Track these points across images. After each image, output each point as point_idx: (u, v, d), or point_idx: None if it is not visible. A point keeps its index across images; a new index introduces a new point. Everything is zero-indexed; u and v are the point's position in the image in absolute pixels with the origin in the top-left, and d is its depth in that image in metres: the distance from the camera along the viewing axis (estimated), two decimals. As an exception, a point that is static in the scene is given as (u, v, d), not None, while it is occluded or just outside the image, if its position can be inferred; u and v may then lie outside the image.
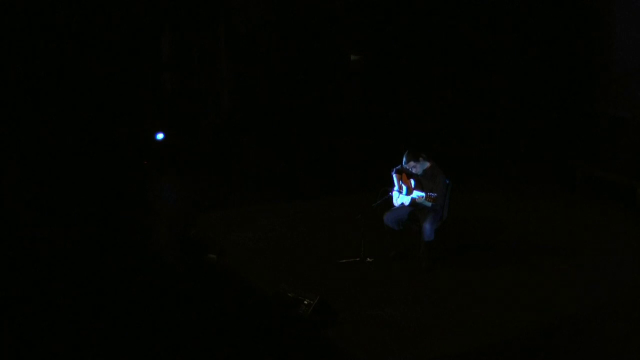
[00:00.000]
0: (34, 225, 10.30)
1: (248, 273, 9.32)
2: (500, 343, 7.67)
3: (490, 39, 14.21)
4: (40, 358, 7.35)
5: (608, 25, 13.05)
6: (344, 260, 9.61)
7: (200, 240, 10.06)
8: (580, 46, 13.46)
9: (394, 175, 9.63)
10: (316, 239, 10.46)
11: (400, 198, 9.60)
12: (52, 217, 10.58)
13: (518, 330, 7.89)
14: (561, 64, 13.71)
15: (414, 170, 9.44)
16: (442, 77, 14.58)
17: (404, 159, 9.45)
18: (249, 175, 13.20)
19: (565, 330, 7.93)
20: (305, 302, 8.01)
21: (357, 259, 9.57)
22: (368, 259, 9.56)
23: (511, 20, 14.07)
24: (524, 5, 13.93)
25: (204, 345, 7.52)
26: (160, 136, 13.13)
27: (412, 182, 9.46)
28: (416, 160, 9.39)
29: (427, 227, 9.22)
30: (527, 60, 14.02)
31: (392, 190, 9.59)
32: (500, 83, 14.26)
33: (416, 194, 9.34)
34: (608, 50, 13.07)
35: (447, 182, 9.44)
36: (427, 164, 9.45)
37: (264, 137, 14.21)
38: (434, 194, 9.07)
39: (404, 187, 9.54)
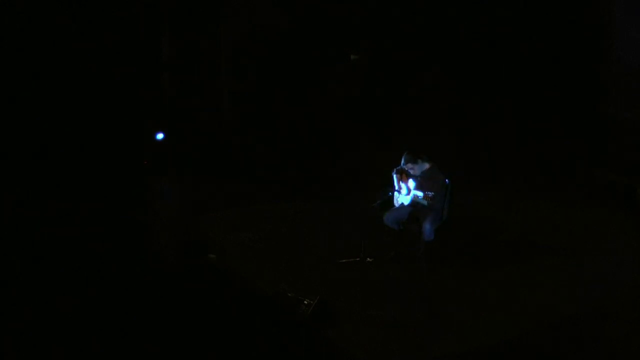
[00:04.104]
0: (34, 225, 10.30)
1: (248, 273, 9.31)
2: (500, 343, 7.67)
3: (490, 39, 14.21)
4: (41, 358, 7.35)
5: (608, 25, 13.04)
6: (344, 260, 9.61)
7: (200, 240, 10.06)
8: (581, 46, 13.46)
9: (394, 176, 9.63)
10: (316, 239, 10.46)
11: (400, 198, 9.61)
12: (52, 217, 10.58)
13: (518, 330, 7.89)
14: (561, 64, 13.71)
15: (412, 172, 9.45)
16: (442, 76, 14.58)
17: (403, 160, 9.46)
18: (249, 175, 13.19)
19: (565, 330, 7.93)
20: (305, 302, 8.01)
21: (357, 259, 9.57)
22: (368, 259, 9.55)
23: (511, 19, 14.07)
24: (524, 6, 13.93)
25: (204, 346, 7.52)
26: (160, 136, 13.13)
27: (412, 182, 9.47)
28: (414, 161, 9.39)
29: (427, 227, 9.22)
30: (527, 60, 14.01)
31: (392, 190, 9.59)
32: (500, 83, 14.25)
33: (414, 193, 9.35)
34: (608, 50, 13.06)
35: (447, 182, 9.45)
36: (427, 165, 9.45)
37: (264, 137, 14.21)
38: (430, 193, 9.08)
39: (404, 187, 9.55)
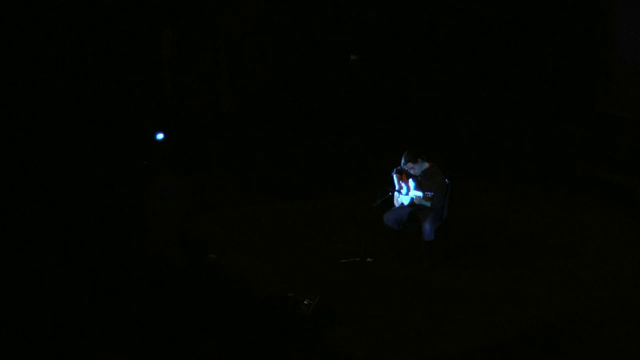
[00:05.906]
0: (34, 226, 10.30)
1: (248, 273, 9.32)
2: (500, 343, 7.67)
3: (490, 39, 14.22)
4: (41, 357, 7.35)
5: (608, 25, 13.05)
6: (344, 260, 9.61)
7: (200, 240, 10.06)
8: (581, 46, 13.46)
9: (394, 176, 9.63)
10: (316, 239, 10.45)
11: (400, 198, 9.61)
12: (51, 218, 10.58)
13: (518, 330, 7.89)
14: (561, 64, 13.71)
15: (412, 171, 9.44)
16: (441, 76, 14.59)
17: (403, 160, 9.45)
18: (249, 175, 13.19)
19: (565, 330, 7.93)
20: (305, 302, 8.02)
21: (357, 259, 9.57)
22: (368, 259, 9.55)
23: (511, 20, 14.07)
24: (525, 6, 13.93)
25: (204, 346, 7.52)
26: (160, 136, 13.12)
27: (412, 182, 9.47)
28: (414, 161, 9.38)
29: (427, 227, 9.22)
30: (528, 60, 14.01)
31: (392, 190, 9.59)
32: (500, 83, 14.26)
33: (414, 193, 9.36)
34: (608, 50, 13.06)
35: (447, 182, 9.45)
36: (426, 165, 9.44)
37: (263, 137, 14.22)
38: (430, 193, 9.09)
39: (404, 187, 9.55)
